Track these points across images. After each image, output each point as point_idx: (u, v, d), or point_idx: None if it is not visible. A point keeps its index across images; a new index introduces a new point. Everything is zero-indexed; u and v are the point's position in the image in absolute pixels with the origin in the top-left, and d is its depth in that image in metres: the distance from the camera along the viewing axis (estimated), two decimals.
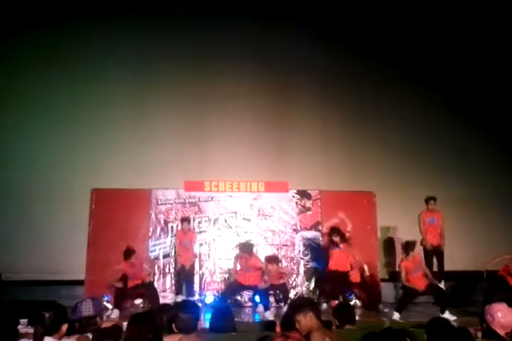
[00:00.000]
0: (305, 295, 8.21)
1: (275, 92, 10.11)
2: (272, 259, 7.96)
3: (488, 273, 7.45)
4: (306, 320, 3.28)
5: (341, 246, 7.88)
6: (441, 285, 7.85)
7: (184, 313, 3.24)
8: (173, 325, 3.18)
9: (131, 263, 7.52)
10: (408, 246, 7.19)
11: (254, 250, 8.34)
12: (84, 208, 8.45)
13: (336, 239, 7.90)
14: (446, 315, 6.79)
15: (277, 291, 8.08)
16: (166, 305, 4.47)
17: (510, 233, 9.75)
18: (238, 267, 8.09)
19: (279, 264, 8.18)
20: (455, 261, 8.68)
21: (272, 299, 8.08)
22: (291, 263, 8.69)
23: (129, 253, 7.52)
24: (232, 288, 7.99)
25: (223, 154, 9.59)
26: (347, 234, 8.22)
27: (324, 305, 7.78)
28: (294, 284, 8.58)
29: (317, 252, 8.62)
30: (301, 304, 3.43)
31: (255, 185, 8.90)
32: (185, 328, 3.17)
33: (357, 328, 3.92)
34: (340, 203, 8.83)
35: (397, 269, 7.91)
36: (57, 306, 3.10)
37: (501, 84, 10.51)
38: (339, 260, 7.86)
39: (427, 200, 8.35)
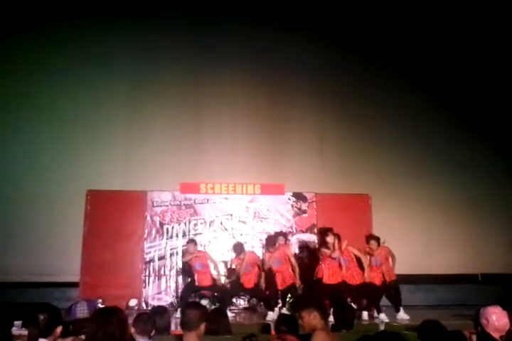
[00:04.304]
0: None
1: (271, 94, 10.11)
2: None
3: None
4: (310, 318, 3.29)
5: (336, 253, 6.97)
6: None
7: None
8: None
9: None
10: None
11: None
12: (79, 209, 8.44)
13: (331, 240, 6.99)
14: (401, 314, 6.93)
15: None
16: (161, 307, 4.47)
17: (501, 234, 9.80)
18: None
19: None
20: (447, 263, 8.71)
21: None
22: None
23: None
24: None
25: (219, 156, 9.58)
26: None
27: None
28: None
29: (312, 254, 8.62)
30: (308, 302, 3.44)
31: (251, 188, 8.91)
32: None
33: (351, 331, 3.92)
34: (335, 205, 8.85)
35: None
36: (51, 308, 3.07)
37: (499, 89, 10.53)
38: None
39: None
